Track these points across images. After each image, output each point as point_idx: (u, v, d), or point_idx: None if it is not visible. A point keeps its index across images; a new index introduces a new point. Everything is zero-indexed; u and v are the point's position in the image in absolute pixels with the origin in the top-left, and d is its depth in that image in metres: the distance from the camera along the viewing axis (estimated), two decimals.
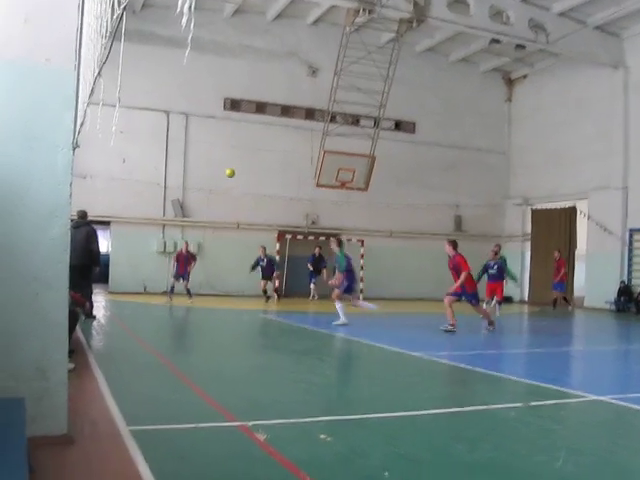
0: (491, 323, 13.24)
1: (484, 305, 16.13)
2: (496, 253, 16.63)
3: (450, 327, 12.67)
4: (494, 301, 17.14)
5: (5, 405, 4.02)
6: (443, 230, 25.75)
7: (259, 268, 20.36)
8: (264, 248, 20.36)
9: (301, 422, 5.42)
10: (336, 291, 13.61)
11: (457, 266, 12.78)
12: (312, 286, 22.51)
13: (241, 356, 9.55)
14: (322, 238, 24.02)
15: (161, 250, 22.06)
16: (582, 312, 21.52)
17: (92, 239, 12.21)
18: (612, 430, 5.92)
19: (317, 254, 22.30)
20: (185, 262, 18.63)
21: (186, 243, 19.34)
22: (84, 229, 12.33)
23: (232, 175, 14.24)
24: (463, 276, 12.61)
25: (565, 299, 21.49)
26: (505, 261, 17.17)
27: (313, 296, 22.36)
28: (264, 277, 20.59)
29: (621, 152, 22.01)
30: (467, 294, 12.89)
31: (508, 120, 27.40)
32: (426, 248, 25.37)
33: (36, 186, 4.41)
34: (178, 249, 19.99)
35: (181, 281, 18.50)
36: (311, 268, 22.29)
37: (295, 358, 9.49)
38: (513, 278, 18.03)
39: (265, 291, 20.49)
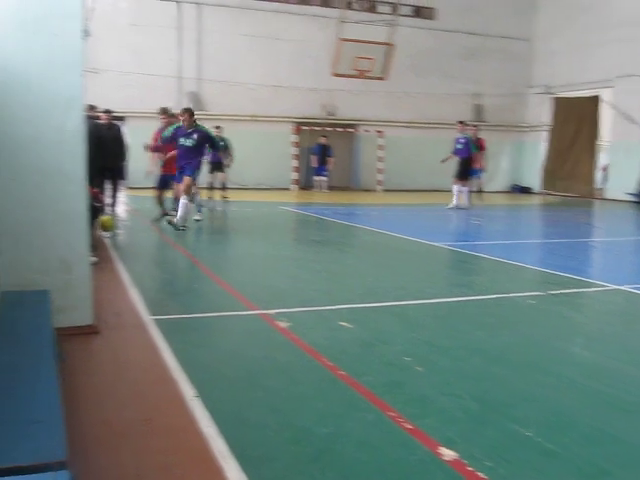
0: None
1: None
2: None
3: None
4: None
5: (32, 297, 4.09)
6: (463, 119, 25.31)
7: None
8: (218, 128, 16.12)
9: (322, 310, 5.49)
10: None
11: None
12: (316, 178, 22.61)
13: (262, 247, 9.61)
14: (339, 129, 23.76)
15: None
16: (602, 204, 21.34)
17: (123, 138, 12.23)
18: (629, 318, 5.95)
19: (324, 144, 22.18)
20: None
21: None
22: (115, 128, 12.32)
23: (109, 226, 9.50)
24: None
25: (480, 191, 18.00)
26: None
27: (320, 187, 22.43)
28: (214, 168, 16.03)
29: None
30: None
31: (532, 4, 26.28)
32: (446, 138, 24.94)
33: (49, 77, 4.32)
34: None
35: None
36: (316, 161, 22.35)
37: (315, 248, 9.55)
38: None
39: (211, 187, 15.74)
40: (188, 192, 10.58)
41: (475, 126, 17.10)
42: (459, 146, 16.62)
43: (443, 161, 16.94)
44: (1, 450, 1.92)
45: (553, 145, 24.79)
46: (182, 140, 10.82)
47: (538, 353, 4.47)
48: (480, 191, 17.05)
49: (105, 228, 9.26)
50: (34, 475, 1.75)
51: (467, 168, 16.46)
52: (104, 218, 9.39)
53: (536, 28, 26.03)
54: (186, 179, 10.60)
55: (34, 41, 4.25)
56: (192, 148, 10.76)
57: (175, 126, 11.04)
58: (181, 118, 10.92)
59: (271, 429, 3.08)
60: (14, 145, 4.28)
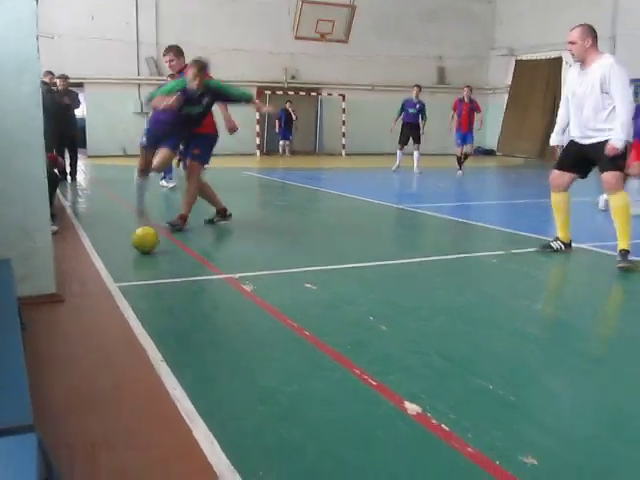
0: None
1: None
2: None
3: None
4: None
5: None
6: (426, 82, 25.12)
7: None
8: None
9: (286, 272, 5.52)
10: None
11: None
12: (281, 142, 22.94)
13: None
14: (302, 93, 23.60)
15: (138, 111, 21.49)
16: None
17: (80, 105, 12.25)
18: (590, 275, 6.08)
19: (288, 109, 22.28)
20: None
21: None
22: (72, 95, 12.19)
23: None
24: None
25: (465, 156, 16.46)
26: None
27: (284, 151, 22.66)
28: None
29: None
30: None
31: None
32: None
33: (1, 41, 4.21)
34: None
35: None
36: (278, 126, 22.69)
37: (278, 213, 9.54)
38: None
39: None
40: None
41: (469, 87, 16.39)
42: (413, 110, 16.32)
43: (392, 130, 16.70)
44: None
45: (514, 107, 24.85)
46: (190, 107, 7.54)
47: (501, 310, 4.56)
48: (465, 156, 16.33)
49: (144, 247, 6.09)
50: (0, 439, 1.75)
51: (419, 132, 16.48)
52: (138, 232, 6.15)
53: None
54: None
55: None
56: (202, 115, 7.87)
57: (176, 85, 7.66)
58: (190, 75, 7.61)
59: (238, 390, 3.11)
60: None
